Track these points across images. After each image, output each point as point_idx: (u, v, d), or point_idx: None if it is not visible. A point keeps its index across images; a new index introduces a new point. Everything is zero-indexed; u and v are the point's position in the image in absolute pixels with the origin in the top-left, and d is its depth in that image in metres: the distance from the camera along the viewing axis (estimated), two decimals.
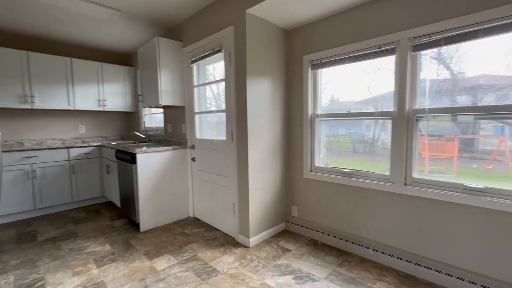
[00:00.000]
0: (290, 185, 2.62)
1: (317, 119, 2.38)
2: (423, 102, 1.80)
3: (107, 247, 2.30)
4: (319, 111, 2.39)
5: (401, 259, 1.89)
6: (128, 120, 4.39)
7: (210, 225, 2.76)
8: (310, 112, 2.39)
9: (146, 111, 4.03)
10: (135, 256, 2.14)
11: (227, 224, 2.53)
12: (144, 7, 2.54)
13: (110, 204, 3.54)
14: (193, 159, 2.91)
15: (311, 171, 2.44)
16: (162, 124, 3.62)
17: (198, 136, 2.88)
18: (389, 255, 1.94)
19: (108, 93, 3.84)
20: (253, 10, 2.09)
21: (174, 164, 2.87)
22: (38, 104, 3.25)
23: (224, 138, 2.48)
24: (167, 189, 2.82)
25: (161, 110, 3.57)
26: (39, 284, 1.78)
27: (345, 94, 2.25)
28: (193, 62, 2.77)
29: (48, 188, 3.15)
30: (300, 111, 2.47)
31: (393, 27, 1.83)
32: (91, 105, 3.68)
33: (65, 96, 3.45)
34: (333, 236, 2.27)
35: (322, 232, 2.36)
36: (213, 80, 2.75)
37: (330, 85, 2.32)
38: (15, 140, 3.35)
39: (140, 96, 3.16)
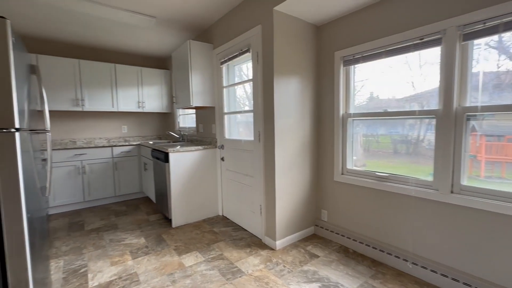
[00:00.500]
0: (320, 188, 2.51)
1: (349, 119, 2.24)
2: (476, 98, 1.56)
3: (142, 240, 2.45)
4: (351, 110, 2.25)
5: (446, 276, 1.67)
6: (164, 120, 4.65)
7: (238, 225, 2.78)
8: (341, 111, 2.26)
9: (180, 111, 4.22)
10: (166, 251, 2.24)
11: (254, 224, 2.52)
12: (177, 12, 2.64)
13: (147, 200, 3.79)
14: (222, 159, 2.96)
15: (342, 174, 2.30)
16: (194, 124, 3.75)
17: (227, 136, 2.92)
18: (431, 270, 1.74)
19: (147, 95, 4.10)
20: (280, 7, 2.04)
21: (204, 163, 2.94)
22: (88, 106, 3.60)
23: (252, 138, 2.47)
24: (198, 187, 2.91)
25: (193, 110, 3.70)
26: (82, 270, 1.97)
27: (385, 90, 2.06)
28: (222, 63, 2.81)
29: (95, 182, 3.48)
30: (330, 110, 2.35)
31: (438, 14, 1.63)
32: (132, 107, 3.97)
33: (109, 99, 3.77)
34: (366, 245, 2.11)
35: (354, 239, 2.21)
36: (241, 80, 2.75)
37: (368, 81, 2.16)
38: (69, 139, 3.76)
39: (174, 98, 3.32)
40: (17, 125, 1.07)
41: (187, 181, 2.82)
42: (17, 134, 1.07)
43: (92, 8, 2.48)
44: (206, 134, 3.29)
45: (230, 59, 2.66)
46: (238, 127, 2.94)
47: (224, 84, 2.88)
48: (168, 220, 2.95)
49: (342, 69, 2.23)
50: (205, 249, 2.26)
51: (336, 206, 2.36)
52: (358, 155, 2.27)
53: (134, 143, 3.77)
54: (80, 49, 3.77)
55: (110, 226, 2.83)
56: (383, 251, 2.00)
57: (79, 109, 3.54)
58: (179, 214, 2.78)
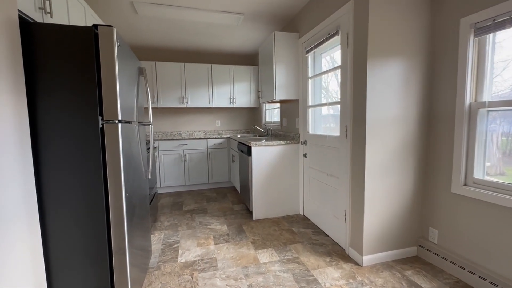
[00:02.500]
0: (428, 200, 1.96)
1: (481, 110, 1.61)
2: None
3: (225, 228, 2.60)
4: (486, 98, 1.61)
5: None
6: (252, 115, 4.84)
7: (319, 228, 2.54)
8: (468, 99, 1.65)
9: (266, 106, 4.28)
10: (244, 242, 2.28)
11: (337, 231, 2.23)
12: (263, 5, 2.61)
13: (233, 189, 4.05)
14: (305, 155, 2.77)
15: (465, 184, 1.70)
16: (279, 119, 3.71)
17: (310, 131, 2.71)
18: None
19: (237, 91, 4.35)
20: None
21: (286, 159, 2.84)
22: (190, 103, 4.14)
23: (337, 134, 2.17)
24: (279, 183, 2.85)
25: (278, 104, 3.65)
26: (175, 245, 2.25)
27: None
28: (308, 52, 2.59)
29: (193, 170, 3.99)
30: (449, 98, 1.76)
31: None
32: (224, 103, 4.30)
33: (206, 96, 4.21)
34: None
35: (480, 277, 1.60)
36: (327, 69, 2.46)
37: None
38: (176, 131, 4.45)
39: (259, 92, 3.36)
40: (119, 118, 1.25)
41: (268, 175, 2.80)
42: (119, 125, 1.25)
43: (190, 14, 2.77)
44: (289, 129, 3.18)
45: (316, 46, 2.42)
46: (322, 121, 2.68)
47: (309, 74, 2.67)
48: (249, 212, 3.03)
49: (472, 42, 1.62)
50: (281, 248, 2.16)
51: (453, 226, 1.77)
52: (493, 161, 1.62)
53: (225, 136, 4.08)
54: (184, 54, 4.37)
55: (201, 210, 3.16)
56: None
57: (183, 105, 4.12)
58: (259, 207, 2.81)
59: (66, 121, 1.19)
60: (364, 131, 1.81)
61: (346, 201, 2.05)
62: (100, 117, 1.23)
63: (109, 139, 1.24)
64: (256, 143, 2.72)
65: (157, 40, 3.70)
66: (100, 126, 1.23)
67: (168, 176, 3.89)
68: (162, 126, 4.38)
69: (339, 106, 2.16)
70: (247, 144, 2.80)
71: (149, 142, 2.83)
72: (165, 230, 2.57)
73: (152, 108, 4.22)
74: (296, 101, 2.92)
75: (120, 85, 1.28)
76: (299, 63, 2.80)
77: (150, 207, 2.59)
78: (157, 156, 3.80)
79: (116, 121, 1.25)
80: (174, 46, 4.03)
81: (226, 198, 3.61)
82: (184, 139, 3.90)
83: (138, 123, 1.82)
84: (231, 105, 4.34)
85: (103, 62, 1.21)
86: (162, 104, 4.03)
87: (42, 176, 1.18)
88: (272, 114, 4.21)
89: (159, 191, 3.93)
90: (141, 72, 1.85)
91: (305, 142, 2.75)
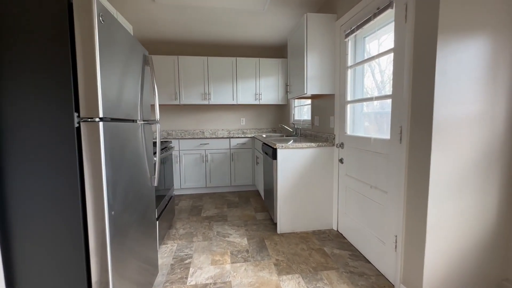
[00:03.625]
0: None
1: None
2: None
3: (244, 241, 2.27)
4: None
5: None
6: (280, 112, 4.44)
7: (357, 250, 2.09)
8: None
9: (295, 103, 3.85)
10: (265, 263, 1.92)
11: (383, 259, 1.77)
12: None
13: (257, 194, 3.71)
14: (341, 161, 2.32)
15: None
16: (309, 117, 3.27)
17: (349, 131, 2.25)
18: None
19: (263, 87, 3.99)
20: None
21: (318, 164, 2.42)
22: (213, 100, 3.88)
23: (387, 136, 1.70)
24: (308, 192, 2.43)
25: (309, 100, 3.21)
26: (187, 261, 1.97)
27: None
28: (348, 35, 2.13)
29: (215, 171, 3.72)
30: None
31: None
32: (249, 99, 3.97)
33: (230, 92, 3.91)
34: None
35: None
36: (373, 55, 1.98)
37: None
38: (199, 129, 4.23)
39: (288, 87, 2.97)
40: (101, 115, 0.96)
41: (296, 182, 2.40)
42: (101, 124, 0.96)
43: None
44: (322, 129, 2.74)
45: (359, 26, 1.95)
46: (363, 120, 2.20)
47: (349, 63, 2.20)
48: (274, 223, 2.66)
49: None
50: (311, 276, 1.76)
51: None
52: None
53: (249, 136, 3.75)
54: (207, 47, 4.10)
55: (221, 216, 2.87)
56: None
57: (206, 102, 3.87)
58: (284, 219, 2.42)
59: (33, 117, 0.93)
60: (430, 133, 1.33)
61: (397, 224, 1.58)
62: (76, 114, 0.95)
63: (87, 142, 0.96)
64: (282, 144, 2.33)
65: (178, 32, 3.48)
66: (76, 125, 0.95)
67: (188, 177, 3.67)
68: (184, 124, 4.19)
69: (389, 101, 1.69)
70: (272, 145, 2.43)
71: (162, 142, 2.59)
72: (179, 240, 2.32)
73: (173, 105, 4.03)
74: (331, 96, 2.47)
75: (105, 72, 0.99)
76: (336, 50, 2.35)
77: (165, 211, 2.36)
78: (177, 156, 3.60)
79: (97, 119, 0.96)
80: (196, 39, 3.78)
81: (249, 204, 3.28)
82: (206, 138, 3.64)
83: (144, 121, 1.55)
84: (256, 102, 3.99)
85: (78, 42, 0.92)
86: (184, 100, 3.81)
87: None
88: (301, 112, 3.78)
89: (180, 192, 3.74)
90: (146, 61, 1.57)
91: (341, 145, 2.30)
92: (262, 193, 3.23)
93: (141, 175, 1.46)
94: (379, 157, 1.76)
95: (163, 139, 3.52)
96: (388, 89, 1.84)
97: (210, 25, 3.22)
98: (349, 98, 2.22)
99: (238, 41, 3.91)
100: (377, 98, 1.84)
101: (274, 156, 2.41)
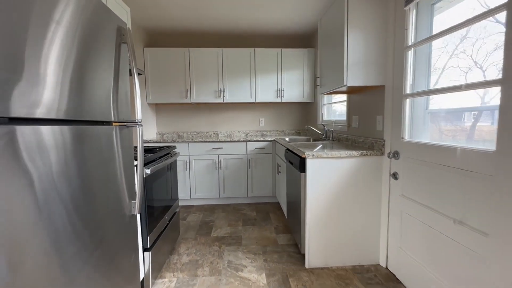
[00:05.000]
0: None
1: None
2: None
3: (263, 280, 1.73)
4: None
5: None
6: (304, 112, 3.85)
7: None
8: None
9: (325, 100, 3.25)
10: None
11: None
12: None
13: (278, 208, 3.15)
14: (394, 176, 1.70)
15: None
16: (343, 117, 2.66)
17: (407, 136, 1.63)
18: None
19: (286, 82, 3.43)
20: None
21: (360, 178, 1.82)
22: (228, 98, 3.39)
23: (489, 147, 1.08)
24: (347, 215, 1.85)
25: (344, 96, 2.61)
26: None
27: None
28: (408, 2, 1.52)
29: (229, 180, 3.23)
30: None
31: None
32: (269, 97, 3.43)
33: (248, 89, 3.40)
34: None
35: None
36: (454, 25, 1.35)
37: None
38: (213, 131, 3.77)
39: (318, 79, 2.39)
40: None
41: (331, 202, 1.82)
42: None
43: None
44: (363, 131, 2.13)
45: None
46: (430, 121, 1.58)
47: (411, 41, 1.59)
48: (300, 253, 2.10)
49: None
50: None
51: None
52: None
53: (269, 139, 3.21)
54: (222, 37, 3.62)
55: (234, 238, 2.36)
56: None
57: (220, 100, 3.39)
58: (315, 250, 1.85)
59: None
60: None
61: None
62: None
63: None
64: (313, 153, 1.77)
65: (188, 20, 3.03)
66: None
67: (199, 186, 3.21)
68: (195, 125, 3.74)
69: (498, 89, 1.07)
70: (299, 153, 1.87)
71: (149, 151, 2.12)
72: (180, 273, 1.83)
73: (184, 104, 3.60)
74: (379, 88, 1.86)
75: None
76: (389, 26, 1.74)
77: (166, 233, 1.89)
78: (187, 161, 3.15)
79: None
80: (209, 27, 3.31)
81: (268, 221, 2.74)
82: (219, 141, 3.16)
83: (120, 123, 1.07)
84: (278, 100, 3.45)
85: None
86: (196, 99, 3.36)
87: None
88: (331, 111, 3.17)
89: (189, 203, 3.29)
90: (121, 36, 1.09)
91: (395, 155, 1.68)
92: (284, 208, 2.68)
93: (110, 201, 0.98)
94: (473, 178, 1.14)
95: (167, 143, 3.09)
96: (490, 73, 1.21)
97: (223, 7, 2.73)
98: (408, 91, 1.61)
99: (257, 29, 3.39)
100: (472, 86, 1.20)
101: (302, 167, 1.85)
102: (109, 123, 1.06)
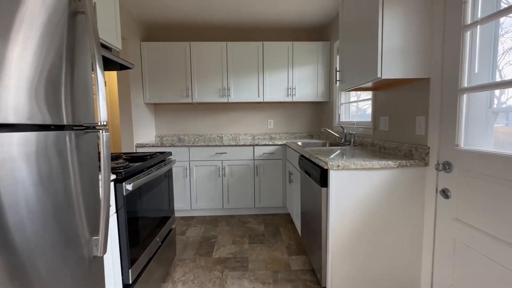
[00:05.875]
0: None
1: None
2: None
3: None
4: None
5: None
6: (318, 112, 3.48)
7: None
8: None
9: (342, 99, 2.87)
10: None
11: None
12: None
13: (289, 221, 2.79)
14: (444, 193, 1.33)
15: None
16: (365, 118, 2.29)
17: (462, 144, 1.25)
18: None
19: (298, 79, 3.08)
20: None
21: (396, 195, 1.45)
22: (233, 97, 3.06)
23: None
24: (379, 241, 1.48)
25: (368, 94, 2.24)
26: None
27: None
28: None
29: (234, 188, 2.89)
30: None
31: None
32: (279, 96, 3.08)
33: (255, 87, 3.06)
34: None
35: None
36: None
37: None
38: (217, 134, 3.44)
39: (338, 74, 2.02)
40: None
41: (359, 225, 1.46)
42: None
43: None
44: (395, 136, 1.76)
45: None
46: (495, 123, 1.20)
47: (470, 19, 1.21)
48: (318, 283, 1.73)
49: None
50: None
51: None
52: None
53: (279, 143, 2.85)
54: (226, 30, 3.29)
55: (239, 260, 2.01)
56: None
57: (225, 100, 3.06)
58: (338, 282, 1.49)
59: None
60: None
61: None
62: None
63: None
64: (338, 163, 1.41)
65: (190, 11, 2.70)
66: None
67: (201, 195, 2.87)
68: (197, 127, 3.42)
69: None
70: (319, 164, 1.51)
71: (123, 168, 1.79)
72: None
73: (185, 103, 3.28)
74: (421, 82, 1.49)
75: None
76: (436, 2, 1.37)
77: (163, 249, 1.56)
78: (187, 168, 2.82)
79: None
80: (212, 19, 2.99)
81: (278, 237, 2.38)
82: (223, 145, 2.82)
83: (76, 127, 0.74)
84: (289, 99, 3.09)
85: None
86: (198, 98, 3.04)
87: None
88: (349, 111, 2.80)
89: (190, 214, 2.95)
90: (75, 1, 0.76)
91: (445, 167, 1.31)
92: (297, 223, 2.32)
93: (59, 239, 0.65)
94: None
95: (164, 147, 2.77)
96: None
97: None
98: (466, 83, 1.23)
99: (265, 21, 3.04)
100: None
101: (323, 180, 1.48)
102: (59, 127, 0.73)
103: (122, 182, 1.19)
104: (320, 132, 3.44)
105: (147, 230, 1.48)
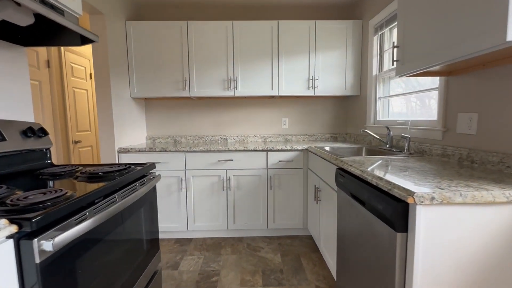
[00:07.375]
0: None
1: None
2: None
3: None
4: None
5: None
6: (344, 109, 2.86)
7: None
8: None
9: (380, 91, 2.25)
10: None
11: None
12: None
13: (311, 246, 2.17)
14: None
15: None
16: (422, 116, 1.67)
17: None
18: None
19: (322, 68, 2.47)
20: None
21: None
22: (240, 90, 2.46)
23: None
24: None
25: (430, 82, 1.61)
26: None
27: None
28: None
29: (242, 205, 2.29)
30: None
31: None
32: (298, 89, 2.47)
33: (268, 78, 2.46)
34: None
35: None
36: None
37: None
38: (220, 135, 2.84)
39: (396, 50, 1.40)
40: None
41: None
42: None
43: None
44: (491, 143, 1.13)
45: None
46: None
47: None
48: None
49: None
50: None
51: None
52: None
53: (299, 148, 2.24)
54: (233, 7, 2.68)
55: None
56: None
57: (230, 93, 2.46)
58: None
59: None
60: None
61: None
62: None
63: None
64: (433, 190, 0.79)
65: None
66: None
67: (200, 213, 2.28)
68: (197, 127, 2.82)
69: None
70: (396, 194, 0.90)
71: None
72: None
73: (181, 98, 2.68)
74: None
75: None
76: None
77: None
78: (183, 179, 2.23)
79: None
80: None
81: (301, 274, 1.77)
82: (228, 150, 2.22)
83: None
84: (310, 92, 2.48)
85: None
86: (197, 91, 2.45)
87: None
88: (388, 109, 2.18)
89: (187, 236, 2.36)
90: None
91: None
92: (325, 253, 1.71)
93: None
94: None
95: (152, 152, 2.18)
96: None
97: None
98: None
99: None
100: None
101: (400, 221, 0.87)
102: None
103: (32, 238, 0.60)
104: (345, 134, 2.83)
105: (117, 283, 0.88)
